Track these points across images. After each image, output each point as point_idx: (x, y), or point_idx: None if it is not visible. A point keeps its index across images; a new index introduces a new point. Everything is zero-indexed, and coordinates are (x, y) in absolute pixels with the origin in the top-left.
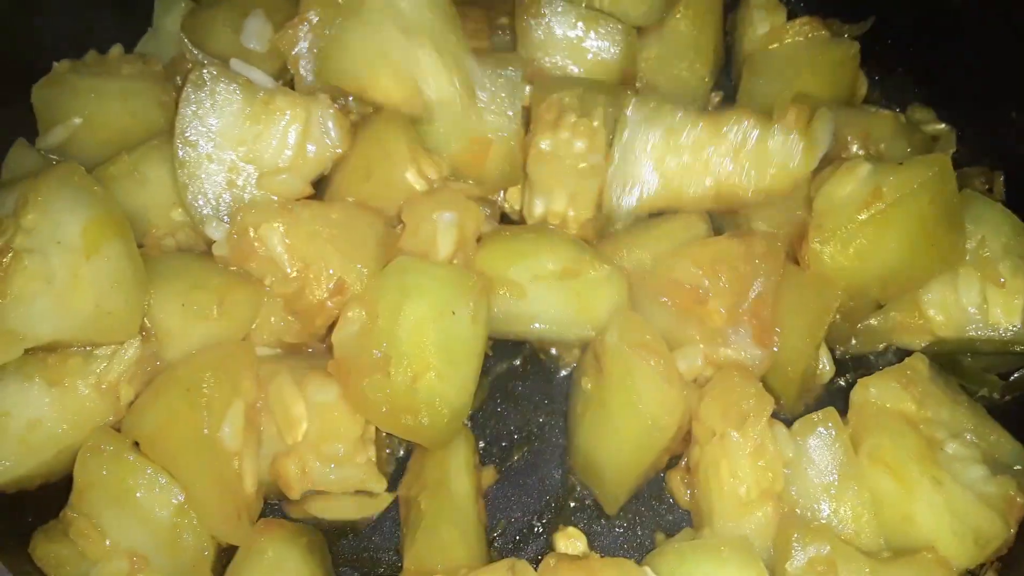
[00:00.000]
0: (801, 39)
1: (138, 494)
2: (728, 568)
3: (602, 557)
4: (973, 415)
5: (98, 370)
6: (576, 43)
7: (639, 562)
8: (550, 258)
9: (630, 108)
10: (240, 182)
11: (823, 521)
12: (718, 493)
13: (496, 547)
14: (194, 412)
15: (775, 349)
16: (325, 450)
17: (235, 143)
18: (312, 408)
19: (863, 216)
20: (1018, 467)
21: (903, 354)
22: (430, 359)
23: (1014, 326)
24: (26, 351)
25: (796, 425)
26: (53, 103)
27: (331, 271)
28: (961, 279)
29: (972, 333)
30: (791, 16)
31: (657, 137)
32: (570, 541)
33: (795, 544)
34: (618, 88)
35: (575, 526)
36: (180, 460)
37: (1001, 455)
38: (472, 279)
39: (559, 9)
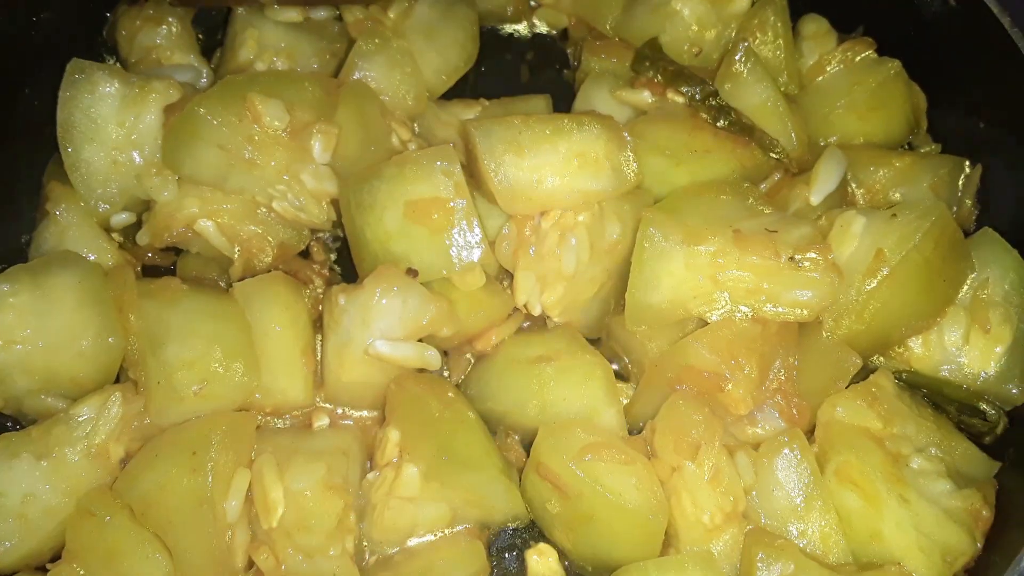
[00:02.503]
0: (842, 67)
1: (126, 563)
2: None
3: None
4: (938, 428)
5: (84, 434)
6: None
7: None
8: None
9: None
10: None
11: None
12: (682, 521)
13: None
14: (198, 477)
15: (804, 422)
16: (299, 540)
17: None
18: (289, 494)
19: (872, 285)
20: (983, 479)
21: (868, 369)
22: None
23: (986, 373)
24: (7, 427)
25: (762, 447)
26: None
27: (270, 239)
28: (948, 317)
29: (945, 374)
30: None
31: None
32: (542, 557)
33: (759, 564)
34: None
35: (547, 542)
36: (176, 526)
37: (967, 467)
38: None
39: None
